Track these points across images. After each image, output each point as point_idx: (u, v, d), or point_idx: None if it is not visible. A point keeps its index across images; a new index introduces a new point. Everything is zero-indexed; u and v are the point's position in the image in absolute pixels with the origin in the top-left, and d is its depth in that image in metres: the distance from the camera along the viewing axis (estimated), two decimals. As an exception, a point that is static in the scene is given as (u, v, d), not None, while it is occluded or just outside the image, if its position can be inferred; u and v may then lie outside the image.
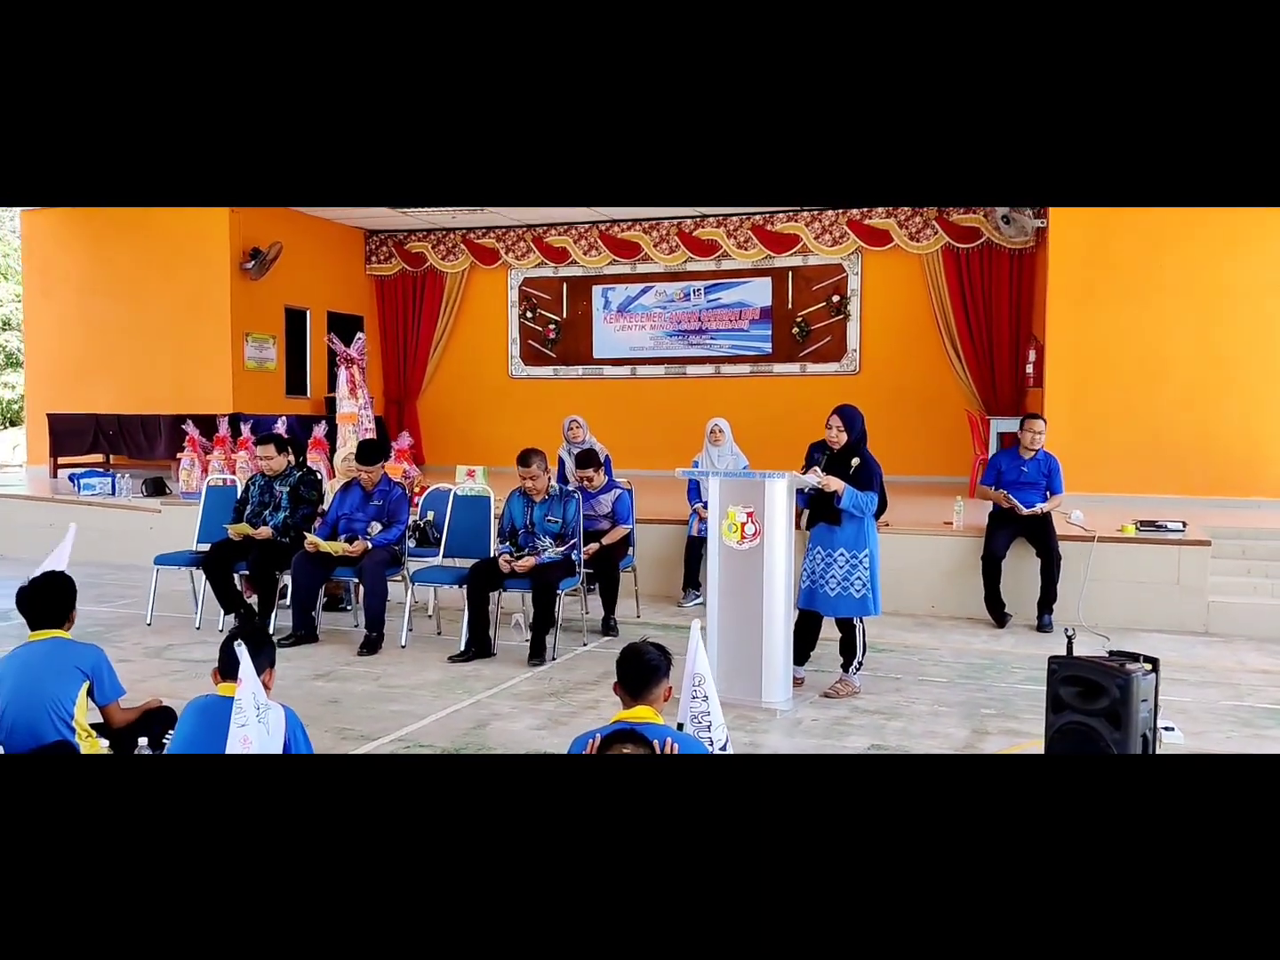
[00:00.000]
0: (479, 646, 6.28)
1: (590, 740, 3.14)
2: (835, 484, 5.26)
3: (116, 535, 9.90)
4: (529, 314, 14.37)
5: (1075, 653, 3.97)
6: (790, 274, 13.30)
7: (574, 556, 6.41)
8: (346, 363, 9.17)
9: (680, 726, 3.38)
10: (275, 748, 3.31)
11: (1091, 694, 3.81)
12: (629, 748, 2.90)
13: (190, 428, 9.77)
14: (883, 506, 5.43)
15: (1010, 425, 10.46)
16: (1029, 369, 11.45)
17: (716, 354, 13.63)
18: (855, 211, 12.81)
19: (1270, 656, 6.49)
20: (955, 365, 12.65)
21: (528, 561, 6.20)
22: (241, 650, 3.25)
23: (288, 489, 7.02)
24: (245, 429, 9.57)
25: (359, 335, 9.49)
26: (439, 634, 6.95)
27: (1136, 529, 7.50)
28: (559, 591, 6.24)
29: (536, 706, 5.34)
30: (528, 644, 6.65)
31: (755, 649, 5.22)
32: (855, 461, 5.39)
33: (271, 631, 6.77)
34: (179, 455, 9.83)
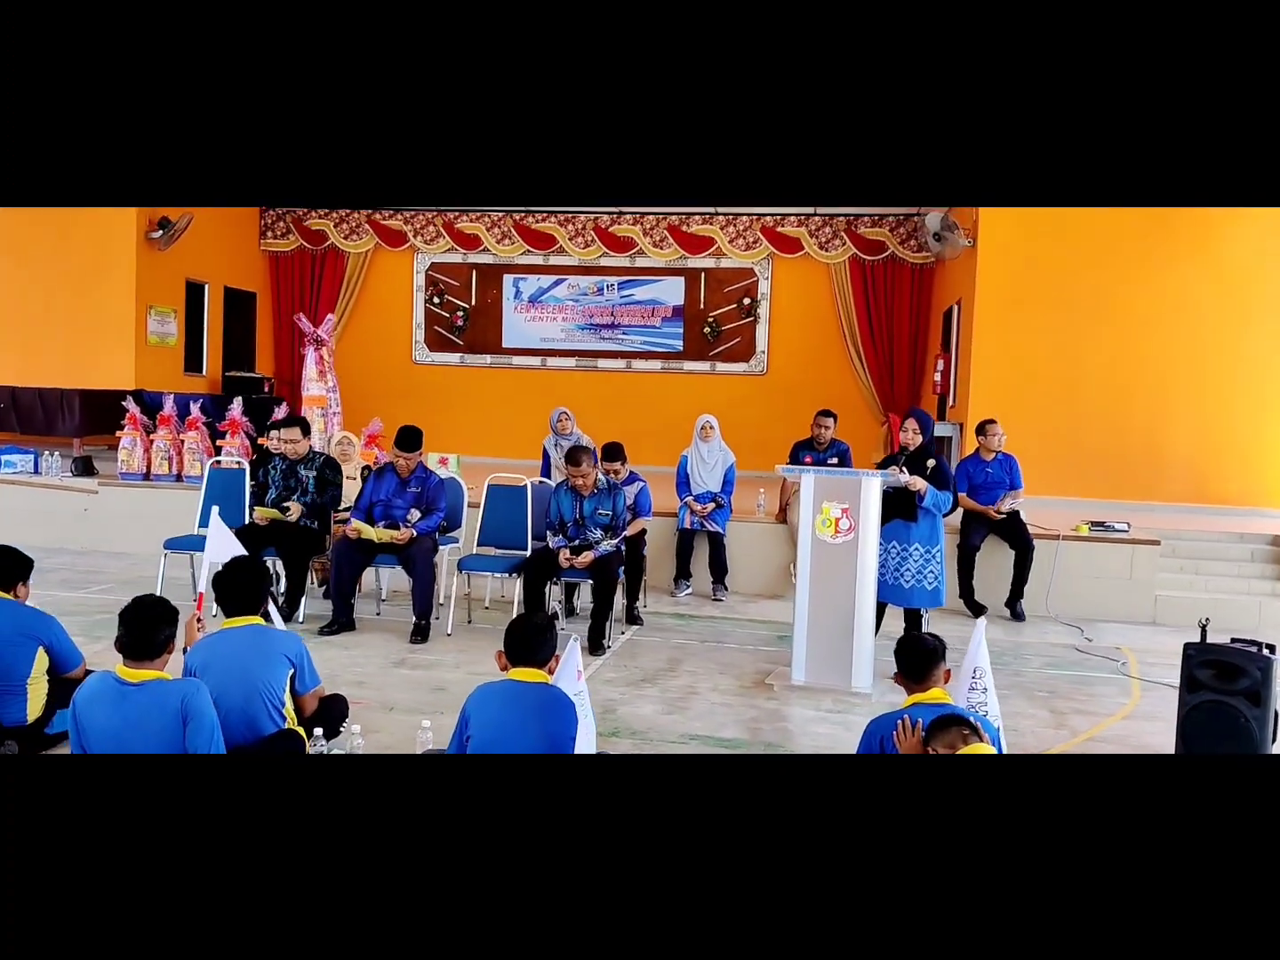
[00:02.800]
0: (536, 634, 6.36)
1: (900, 721, 3.41)
2: (920, 484, 5.67)
3: (44, 517, 9.28)
4: (436, 299, 14.22)
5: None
6: (703, 275, 13.73)
7: (622, 548, 6.60)
8: (315, 344, 8.93)
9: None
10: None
11: (1229, 675, 4.35)
12: (966, 730, 3.20)
13: (131, 405, 9.27)
14: (954, 505, 5.89)
15: (940, 430, 11.23)
16: (937, 377, 12.26)
17: (628, 349, 13.91)
18: (769, 218, 13.35)
19: (1226, 644, 7.35)
20: (858, 369, 13.40)
21: (588, 556, 6.33)
22: (575, 645, 3.35)
23: (314, 474, 6.86)
24: (195, 408, 9.19)
25: (329, 316, 9.25)
26: (469, 622, 6.98)
27: (1089, 529, 8.29)
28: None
29: (640, 692, 5.52)
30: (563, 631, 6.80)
31: (846, 637, 5.57)
32: (931, 462, 5.81)
33: (301, 619, 6.71)
34: (118, 434, 9.30)
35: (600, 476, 6.63)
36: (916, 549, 5.83)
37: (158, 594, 3.60)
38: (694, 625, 7.26)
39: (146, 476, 9.27)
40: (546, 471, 8.49)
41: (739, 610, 7.82)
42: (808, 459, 8.36)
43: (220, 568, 4.14)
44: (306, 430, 6.92)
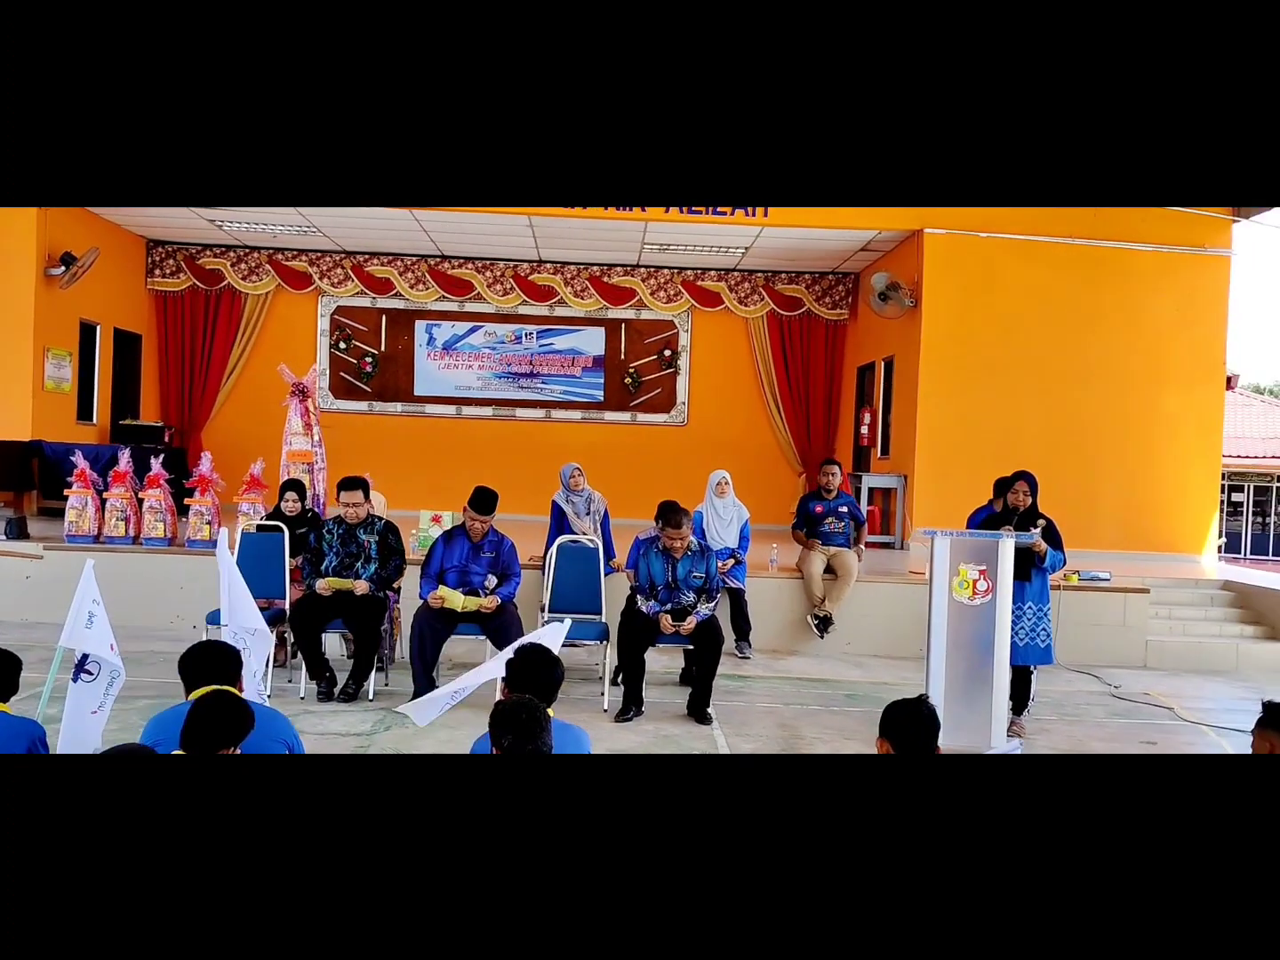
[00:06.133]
0: (638, 704, 6.14)
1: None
2: (1043, 545, 5.83)
3: (-26, 585, 8.22)
4: (342, 344, 13.56)
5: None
6: (623, 326, 13.70)
7: (715, 611, 6.46)
8: (299, 394, 8.34)
9: None
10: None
11: None
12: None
13: (79, 460, 8.37)
14: (1064, 563, 6.10)
15: (880, 481, 11.58)
16: (863, 430, 12.66)
17: (548, 398, 13.69)
18: (690, 272, 13.48)
19: (1232, 686, 7.89)
20: (776, 422, 13.68)
21: (691, 622, 6.16)
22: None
23: (375, 539, 6.40)
24: (156, 464, 8.39)
25: (314, 367, 8.66)
26: (538, 693, 6.63)
27: (1079, 579, 8.74)
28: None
29: (800, 763, 5.40)
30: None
31: (986, 698, 5.65)
32: (1042, 523, 5.99)
33: (371, 697, 6.23)
34: (67, 492, 8.36)
35: (693, 540, 6.47)
36: (1030, 607, 5.99)
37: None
38: (750, 686, 7.17)
39: (98, 539, 8.38)
40: (557, 529, 8.17)
41: (776, 668, 7.79)
42: (818, 509, 8.46)
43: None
44: (368, 493, 6.44)
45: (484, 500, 6.34)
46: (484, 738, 3.59)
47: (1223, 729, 6.52)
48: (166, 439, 12.11)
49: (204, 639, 3.92)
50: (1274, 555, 26.73)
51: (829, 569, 8.44)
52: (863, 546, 8.63)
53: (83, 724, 4.22)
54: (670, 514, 6.33)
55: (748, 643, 8.11)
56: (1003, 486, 8.28)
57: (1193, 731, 6.47)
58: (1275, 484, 27.49)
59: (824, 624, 8.25)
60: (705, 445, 13.50)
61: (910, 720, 3.34)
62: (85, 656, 4.31)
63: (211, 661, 3.63)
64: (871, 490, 11.39)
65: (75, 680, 4.23)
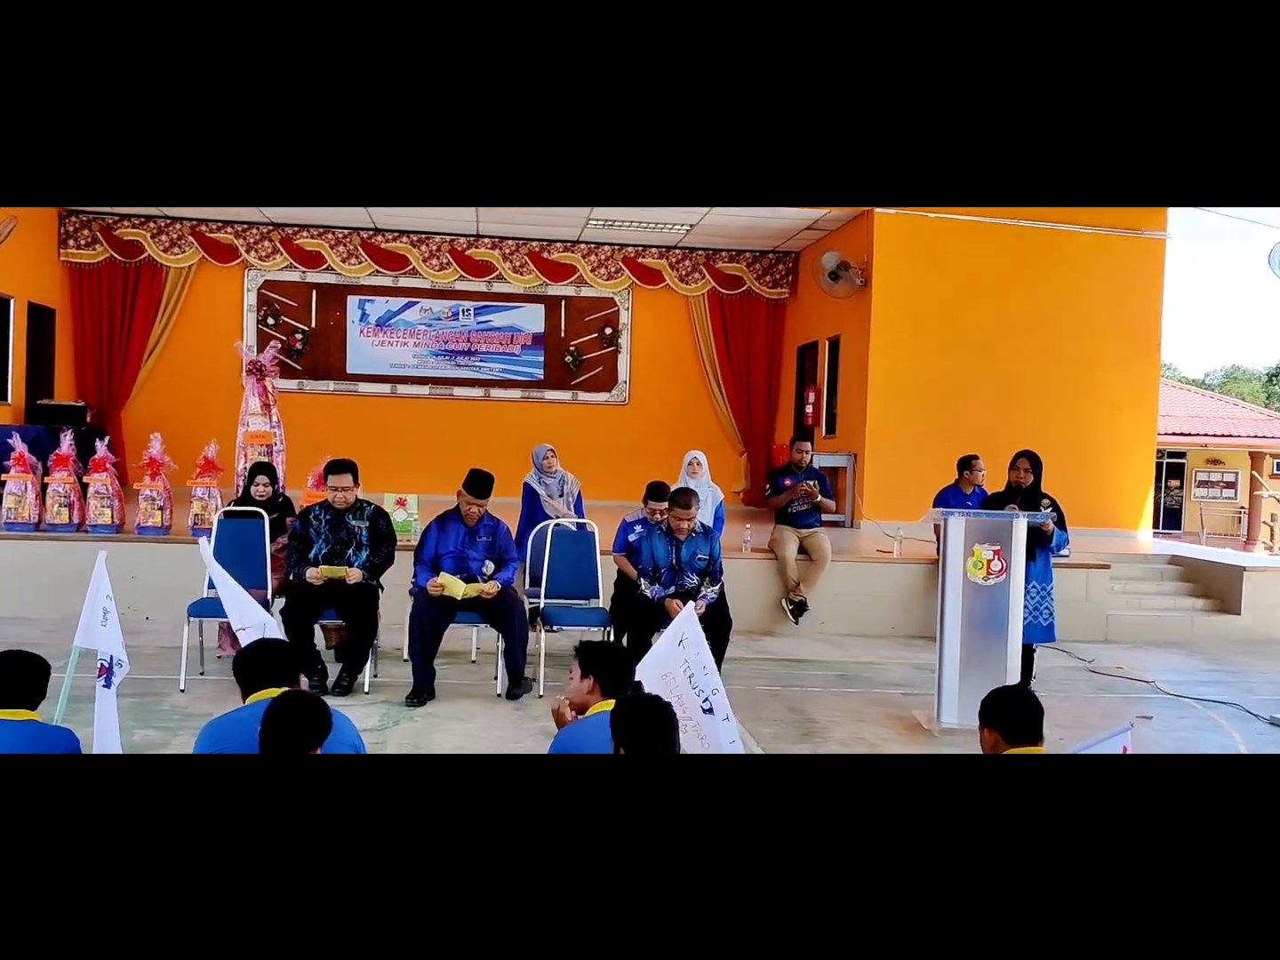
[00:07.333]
0: (645, 691, 6.00)
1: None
2: (1050, 525, 5.88)
3: (-98, 578, 7.65)
4: (270, 320, 13.01)
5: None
6: (563, 303, 13.46)
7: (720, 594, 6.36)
8: (256, 373, 7.95)
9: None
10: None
11: None
12: None
13: (18, 443, 7.83)
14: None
15: (829, 460, 11.60)
16: (809, 409, 12.69)
17: (486, 376, 13.39)
18: (631, 249, 13.30)
19: (1191, 658, 8.12)
20: (717, 400, 13.63)
21: (701, 605, 6.04)
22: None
23: (366, 524, 6.12)
24: (102, 447, 7.90)
25: (272, 343, 8.25)
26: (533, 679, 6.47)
27: (1041, 555, 8.88)
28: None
29: (826, 749, 5.34)
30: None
31: (1000, 677, 5.64)
32: (1047, 502, 6.04)
33: (367, 689, 5.99)
34: (4, 477, 7.82)
35: (697, 521, 6.35)
36: (1034, 586, 6.04)
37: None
38: (738, 669, 7.06)
39: (39, 526, 7.87)
40: (529, 511, 7.97)
41: (756, 649, 7.75)
42: (788, 482, 8.43)
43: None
44: (357, 477, 6.15)
45: (480, 483, 6.10)
46: (564, 736, 3.42)
47: (1207, 701, 6.69)
48: (88, 419, 11.48)
49: (259, 639, 3.68)
50: (1165, 529, 27.79)
51: (802, 549, 8.43)
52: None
53: (111, 731, 3.93)
54: (679, 494, 6.21)
55: (726, 624, 8.03)
56: (964, 465, 8.40)
57: (1179, 705, 6.62)
58: (1165, 460, 28.55)
59: (799, 610, 8.23)
60: (647, 424, 13.41)
61: (1016, 706, 3.31)
62: (111, 659, 4.00)
63: (273, 663, 3.42)
64: (821, 469, 11.39)
65: (108, 686, 3.92)
